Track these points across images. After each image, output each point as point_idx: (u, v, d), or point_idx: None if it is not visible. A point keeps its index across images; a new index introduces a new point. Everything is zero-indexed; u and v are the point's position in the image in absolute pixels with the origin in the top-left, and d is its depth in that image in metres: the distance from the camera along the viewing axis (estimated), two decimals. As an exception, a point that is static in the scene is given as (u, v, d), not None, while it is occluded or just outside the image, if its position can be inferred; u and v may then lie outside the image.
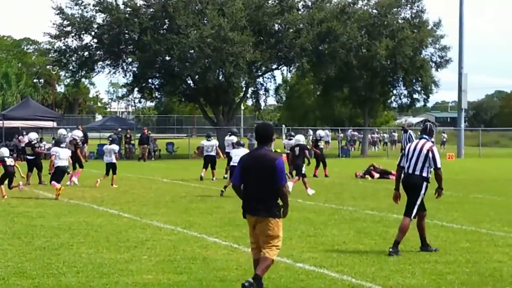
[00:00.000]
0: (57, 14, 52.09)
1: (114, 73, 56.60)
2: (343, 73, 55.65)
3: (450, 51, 59.54)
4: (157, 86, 57.51)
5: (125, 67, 55.18)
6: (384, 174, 30.33)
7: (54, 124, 50.01)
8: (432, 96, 62.83)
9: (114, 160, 25.84)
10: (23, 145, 43.99)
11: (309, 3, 55.95)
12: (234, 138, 28.77)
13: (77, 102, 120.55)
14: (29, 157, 26.49)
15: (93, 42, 53.76)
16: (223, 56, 49.02)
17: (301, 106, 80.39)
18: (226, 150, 29.37)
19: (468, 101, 66.24)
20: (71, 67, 55.14)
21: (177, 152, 55.38)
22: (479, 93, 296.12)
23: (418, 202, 12.15)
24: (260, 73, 56.71)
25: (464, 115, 61.25)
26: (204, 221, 15.99)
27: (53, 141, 23.88)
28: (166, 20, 52.11)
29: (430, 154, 12.14)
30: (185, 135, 69.83)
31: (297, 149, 23.45)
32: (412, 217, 12.15)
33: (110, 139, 27.25)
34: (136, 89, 57.53)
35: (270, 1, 53.01)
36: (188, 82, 55.72)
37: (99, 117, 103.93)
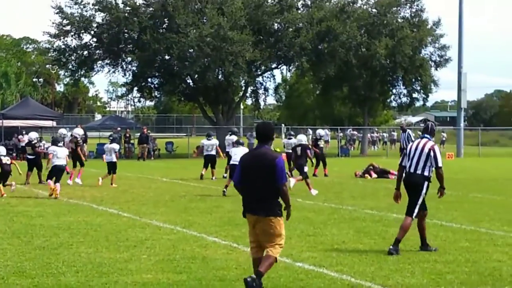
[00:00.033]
0: (57, 13, 52.13)
1: (114, 72, 56.73)
2: (342, 72, 55.65)
3: (450, 50, 59.62)
4: (156, 85, 57.51)
5: (124, 66, 55.21)
6: (383, 173, 30.32)
7: (54, 124, 50.00)
8: (431, 96, 63.04)
9: (114, 159, 25.84)
10: (23, 144, 44.04)
11: (309, 2, 55.96)
12: (234, 138, 28.79)
13: (77, 101, 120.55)
14: (29, 157, 26.51)
15: (93, 41, 53.78)
16: (223, 55, 49.03)
17: (301, 105, 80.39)
18: (227, 150, 29.36)
19: (467, 101, 66.33)
20: (70, 66, 55.15)
21: (177, 151, 55.38)
22: (479, 93, 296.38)
23: (420, 201, 12.15)
24: (259, 72, 56.70)
25: (463, 114, 61.24)
26: (203, 221, 15.99)
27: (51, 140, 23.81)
28: (165, 19, 52.10)
29: (432, 153, 12.16)
30: (185, 134, 69.83)
31: (298, 149, 23.42)
32: (413, 216, 12.15)
33: (111, 138, 27.26)
34: (135, 88, 57.51)
35: (269, 0, 53.07)
36: (188, 81, 55.73)
37: (98, 117, 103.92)
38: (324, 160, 32.12)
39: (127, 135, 50.19)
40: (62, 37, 53.17)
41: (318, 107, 76.39)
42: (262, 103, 62.17)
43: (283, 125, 65.08)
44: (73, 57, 54.19)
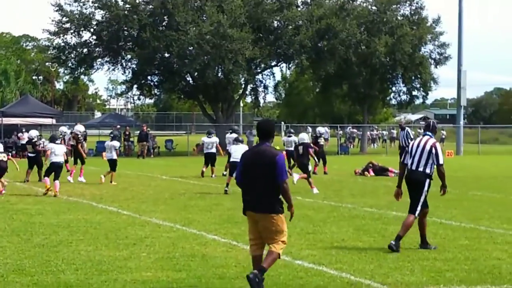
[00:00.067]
0: (56, 11, 52.17)
1: (113, 70, 56.83)
2: (342, 70, 55.67)
3: (449, 48, 59.61)
4: (156, 83, 57.52)
5: (124, 64, 55.26)
6: (382, 171, 30.30)
7: (53, 121, 50.00)
8: (431, 93, 63.06)
9: (115, 157, 25.84)
10: (22, 142, 44.06)
11: (308, 0, 55.93)
12: (239, 137, 28.80)
13: (76, 99, 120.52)
14: (30, 155, 26.52)
15: (92, 39, 53.79)
16: (222, 53, 49.04)
17: (300, 103, 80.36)
18: (227, 148, 29.36)
19: (467, 98, 66.26)
20: (70, 64, 55.20)
21: (176, 149, 55.39)
22: (478, 90, 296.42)
23: (422, 199, 12.16)
24: (259, 70, 56.72)
25: (463, 112, 61.27)
26: (203, 218, 15.99)
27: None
28: (165, 17, 52.13)
29: (433, 150, 12.18)
30: (184, 132, 69.85)
31: (300, 148, 23.38)
32: (416, 214, 12.15)
33: (112, 135, 27.26)
34: (135, 86, 57.53)
35: (269, -2, 53.04)
36: (187, 79, 55.73)
37: (98, 114, 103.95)
38: (324, 158, 32.11)
39: (127, 133, 50.21)
40: (61, 35, 53.20)
41: (317, 105, 76.37)
42: (261, 101, 62.26)
43: (282, 123, 65.09)
44: (72, 55, 54.20)
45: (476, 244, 12.69)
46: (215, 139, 29.33)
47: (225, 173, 27.64)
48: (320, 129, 34.62)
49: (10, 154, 31.24)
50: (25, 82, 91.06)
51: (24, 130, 44.90)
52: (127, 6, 51.93)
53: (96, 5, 52.12)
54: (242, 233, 13.38)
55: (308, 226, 14.54)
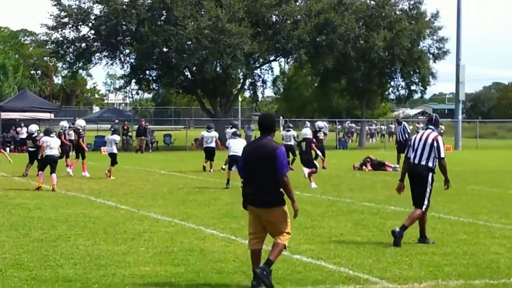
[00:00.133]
0: (55, 5, 52.07)
1: (112, 64, 56.83)
2: (340, 64, 55.62)
3: (448, 43, 59.56)
4: (154, 78, 57.45)
5: (122, 58, 55.19)
6: (380, 166, 30.25)
7: (52, 116, 49.94)
8: (429, 88, 62.92)
9: (115, 150, 25.82)
10: (21, 136, 44.05)
11: (307, -5, 55.89)
12: (237, 131, 28.78)
13: (75, 93, 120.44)
14: (30, 149, 26.46)
15: (91, 33, 53.71)
16: (221, 48, 48.99)
17: (299, 97, 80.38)
18: (227, 143, 29.36)
19: (465, 93, 66.32)
20: (68, 59, 55.18)
21: (175, 143, 55.40)
22: (477, 85, 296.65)
23: (428, 193, 12.18)
24: (257, 65, 56.67)
25: (461, 106, 61.28)
26: (201, 213, 16.00)
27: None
28: (163, 12, 52.05)
29: (435, 144, 12.21)
30: (183, 126, 69.84)
31: (303, 144, 23.32)
32: (423, 208, 12.17)
33: (112, 129, 27.24)
34: (133, 80, 57.43)
35: (267, -7, 52.96)
36: (186, 73, 55.68)
37: (96, 109, 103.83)
38: (323, 153, 32.06)
39: (125, 127, 50.20)
40: (60, 29, 53.14)
41: (316, 99, 76.35)
42: (260, 96, 62.28)
43: (281, 117, 65.10)
44: (71, 49, 54.15)
45: (474, 238, 12.70)
46: (214, 134, 29.35)
47: (224, 167, 27.63)
48: (319, 124, 34.52)
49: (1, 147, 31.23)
50: (23, 77, 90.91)
51: (22, 124, 44.89)
52: (125, 0, 51.88)
53: (94, -1, 52.08)
54: (240, 228, 13.39)
55: (307, 221, 14.53)
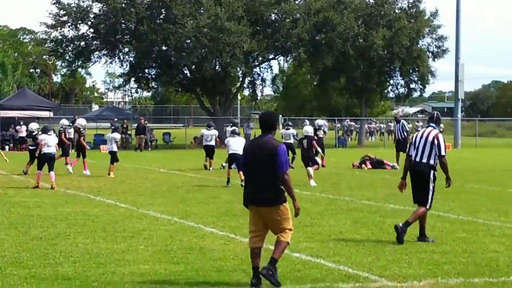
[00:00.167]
0: (54, 3, 52.09)
1: (111, 63, 56.90)
2: (339, 63, 55.62)
3: (447, 41, 59.60)
4: (153, 76, 57.47)
5: (121, 57, 55.23)
6: (379, 164, 30.23)
7: (51, 114, 49.93)
8: (428, 86, 63.03)
9: (115, 149, 25.80)
10: (20, 135, 44.07)
11: (306, -7, 55.86)
12: (237, 129, 28.78)
13: (74, 92, 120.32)
14: (30, 147, 26.44)
15: (90, 32, 53.73)
16: (220, 46, 48.99)
17: (298, 96, 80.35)
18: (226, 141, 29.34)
19: (464, 91, 66.26)
20: (67, 57, 55.22)
21: (174, 142, 55.42)
22: (476, 83, 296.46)
23: (431, 192, 12.19)
24: (256, 63, 56.68)
25: (460, 105, 61.27)
26: (200, 211, 16.00)
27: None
28: (162, 10, 52.05)
29: (436, 141, 12.23)
30: (182, 125, 69.82)
31: (305, 141, 23.32)
32: (428, 206, 12.19)
33: (113, 127, 27.24)
34: (132, 79, 57.42)
35: (266, -9, 52.94)
36: (185, 72, 55.68)
37: (95, 107, 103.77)
38: (323, 151, 32.06)
39: (125, 126, 50.18)
40: (59, 28, 53.18)
41: (315, 98, 76.35)
42: (259, 94, 62.27)
43: (280, 116, 65.12)
44: (70, 48, 54.20)
45: (473, 237, 12.70)
46: (214, 132, 29.36)
47: (224, 164, 27.61)
48: (319, 122, 34.52)
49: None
50: (22, 75, 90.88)
51: (22, 123, 44.89)
52: (124, -1, 51.88)
53: (93, -2, 52.07)
54: (240, 226, 13.39)
55: (306, 219, 14.52)
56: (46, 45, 60.14)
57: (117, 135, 26.50)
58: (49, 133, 22.15)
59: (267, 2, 51.36)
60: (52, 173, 21.15)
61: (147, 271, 9.75)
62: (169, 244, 11.81)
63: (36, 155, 22.30)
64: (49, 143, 21.68)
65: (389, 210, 16.26)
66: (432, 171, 12.21)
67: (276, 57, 58.66)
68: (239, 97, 77.57)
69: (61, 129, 28.89)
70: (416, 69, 58.33)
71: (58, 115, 50.87)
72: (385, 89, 62.87)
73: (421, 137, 12.39)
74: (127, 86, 77.22)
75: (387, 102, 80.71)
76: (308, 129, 24.06)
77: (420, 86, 60.76)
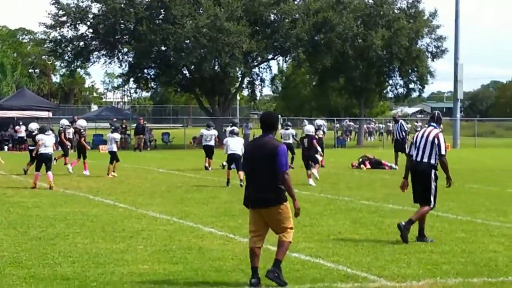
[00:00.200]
0: (53, 4, 52.09)
1: (110, 63, 56.86)
2: (339, 63, 55.64)
3: (446, 41, 59.61)
4: (152, 76, 57.46)
5: (120, 57, 55.20)
6: (378, 164, 30.20)
7: (50, 114, 49.95)
8: (428, 87, 62.97)
9: (114, 149, 25.78)
10: (20, 135, 44.05)
11: (305, -7, 55.86)
12: (236, 129, 28.77)
13: (73, 92, 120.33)
14: (30, 148, 26.43)
15: (89, 32, 53.72)
16: (219, 46, 48.99)
17: (297, 96, 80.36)
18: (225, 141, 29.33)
19: (464, 92, 66.26)
20: (66, 57, 55.20)
21: (173, 142, 55.40)
22: (475, 83, 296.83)
23: (433, 191, 12.20)
24: (256, 63, 56.67)
25: (460, 105, 61.28)
26: (199, 211, 16.00)
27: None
28: (161, 10, 52.04)
29: (436, 141, 12.23)
30: (181, 125, 69.88)
31: (305, 140, 23.32)
32: (431, 206, 12.20)
33: (113, 127, 27.24)
34: (131, 79, 57.40)
35: (265, -9, 52.94)
36: (184, 72, 55.66)
37: (94, 107, 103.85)
38: (322, 150, 32.03)
39: (124, 126, 50.16)
40: (58, 28, 53.16)
41: (314, 98, 76.38)
42: (258, 94, 62.27)
43: (279, 116, 65.18)
44: (69, 48, 54.18)
45: (472, 237, 12.71)
46: (214, 132, 29.37)
47: (224, 164, 27.57)
48: (318, 122, 34.48)
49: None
50: (21, 75, 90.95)
51: (21, 123, 44.89)
52: (123, -1, 51.87)
53: (92, -2, 52.06)
54: (239, 226, 13.39)
55: (305, 219, 14.51)
56: (45, 45, 60.14)
57: (117, 135, 26.50)
58: (46, 133, 22.14)
59: (266, 2, 51.36)
60: (49, 173, 21.14)
61: (146, 271, 9.75)
62: (168, 244, 11.81)
63: (33, 155, 22.28)
64: (47, 143, 21.67)
65: (388, 210, 16.26)
66: (433, 171, 12.21)
67: (275, 57, 58.72)
68: (238, 97, 77.61)
69: (61, 129, 28.88)
70: (415, 69, 58.34)
71: (57, 115, 50.93)
72: (384, 89, 62.87)
73: (422, 136, 12.40)
74: (126, 86, 77.56)
75: (386, 102, 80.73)
76: (310, 128, 24.10)
77: (419, 86, 60.79)
